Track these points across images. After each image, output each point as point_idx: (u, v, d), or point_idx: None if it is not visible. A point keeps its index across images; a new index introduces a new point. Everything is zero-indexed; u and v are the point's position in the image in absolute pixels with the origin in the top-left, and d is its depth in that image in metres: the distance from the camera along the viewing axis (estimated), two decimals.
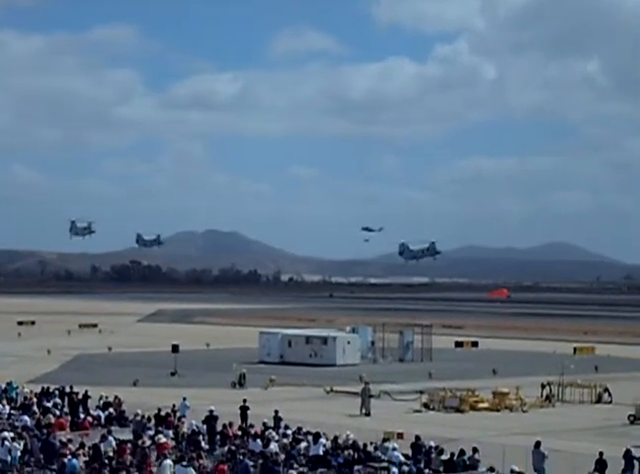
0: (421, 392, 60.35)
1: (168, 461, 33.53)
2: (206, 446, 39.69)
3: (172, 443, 38.94)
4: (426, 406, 58.73)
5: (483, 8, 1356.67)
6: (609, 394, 63.21)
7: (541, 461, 37.52)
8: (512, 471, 33.14)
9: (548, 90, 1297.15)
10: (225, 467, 34.22)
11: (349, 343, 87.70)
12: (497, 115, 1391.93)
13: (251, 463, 34.54)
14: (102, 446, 36.37)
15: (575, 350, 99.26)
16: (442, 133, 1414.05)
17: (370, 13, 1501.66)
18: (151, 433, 40.63)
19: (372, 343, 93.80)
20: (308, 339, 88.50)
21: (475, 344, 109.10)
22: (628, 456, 36.92)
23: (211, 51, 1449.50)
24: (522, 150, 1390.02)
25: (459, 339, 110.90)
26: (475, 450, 36.69)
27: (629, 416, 54.75)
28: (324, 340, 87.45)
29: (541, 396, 62.03)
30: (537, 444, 38.05)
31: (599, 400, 62.95)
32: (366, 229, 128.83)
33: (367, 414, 55.66)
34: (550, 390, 62.73)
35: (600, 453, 36.82)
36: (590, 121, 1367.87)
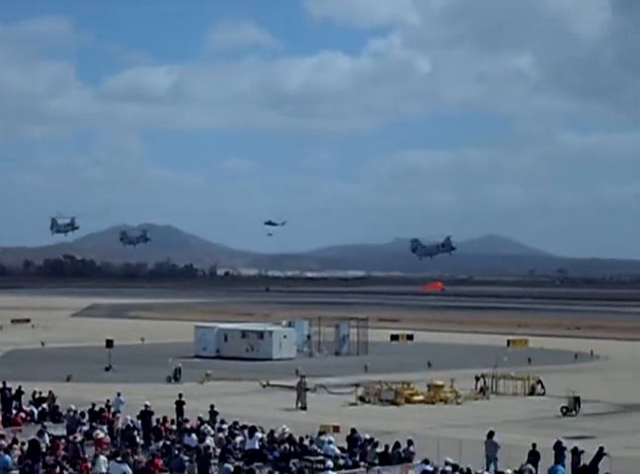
0: (357, 385, 60.57)
1: (102, 457, 33.27)
2: (141, 442, 39.43)
3: (107, 439, 38.63)
4: (361, 399, 58.95)
5: (415, 2, 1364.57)
6: (542, 386, 63.99)
7: (495, 451, 38.08)
8: (446, 463, 33.40)
9: (481, 84, 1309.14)
10: (160, 461, 34.06)
11: (285, 337, 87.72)
12: (431, 108, 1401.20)
13: (186, 458, 34.40)
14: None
15: (509, 342, 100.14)
16: (377, 127, 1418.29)
17: (304, 7, 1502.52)
18: (85, 428, 40.30)
19: (309, 336, 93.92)
20: (244, 333, 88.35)
21: (410, 337, 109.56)
22: (559, 447, 37.40)
23: (147, 44, 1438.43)
24: (457, 143, 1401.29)
25: (395, 332, 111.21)
26: (410, 443, 36.93)
27: (562, 407, 55.48)
28: (260, 334, 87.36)
29: (475, 388, 62.61)
30: (490, 434, 38.58)
31: (532, 392, 63.70)
32: (270, 223, 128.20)
33: (303, 407, 55.70)
34: (484, 382, 63.33)
35: (534, 445, 37.26)
36: (523, 115, 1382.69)
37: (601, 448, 36.75)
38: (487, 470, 35.86)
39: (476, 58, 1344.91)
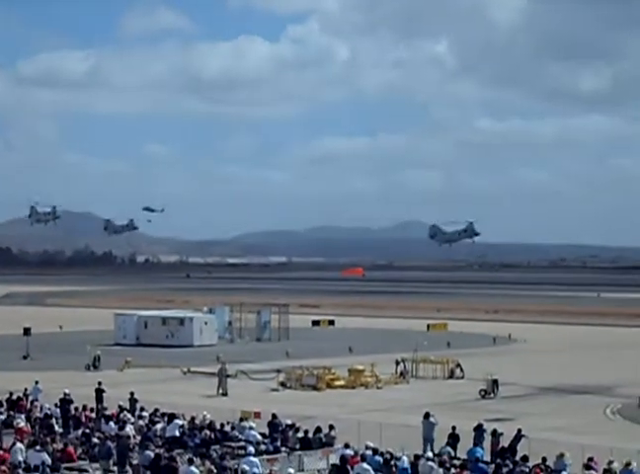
0: (278, 371, 60.65)
1: (19, 445, 32.80)
2: (60, 430, 38.93)
3: (28, 428, 38.07)
4: (283, 385, 59.03)
5: None
6: (461, 369, 64.71)
7: (431, 431, 38.72)
8: (366, 447, 33.58)
9: (398, 70, 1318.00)
10: (72, 449, 33.71)
11: (206, 323, 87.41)
12: (349, 94, 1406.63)
13: (113, 444, 34.07)
14: None
15: (428, 326, 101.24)
16: (297, 113, 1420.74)
17: None
18: (2, 417, 39.70)
19: (230, 323, 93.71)
20: (165, 320, 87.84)
21: (332, 322, 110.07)
22: (479, 430, 37.84)
23: (62, 28, 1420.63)
24: (375, 129, 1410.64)
25: (316, 318, 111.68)
26: (331, 427, 37.05)
27: (480, 390, 56.17)
28: (181, 321, 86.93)
29: (396, 372, 63.07)
30: (427, 415, 39.29)
31: (451, 375, 64.39)
32: (148, 209, 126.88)
33: (224, 394, 55.59)
34: (404, 367, 63.84)
35: (453, 428, 37.63)
36: (440, 101, 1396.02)
37: (520, 430, 37.28)
38: (425, 451, 36.23)
39: (393, 45, 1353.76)
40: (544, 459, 32.93)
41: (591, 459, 32.48)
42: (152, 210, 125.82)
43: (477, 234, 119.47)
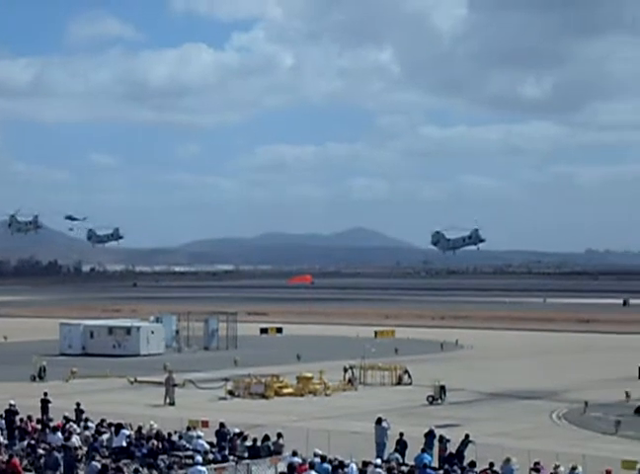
0: (226, 380, 60.43)
1: None
2: (5, 441, 38.44)
3: None
4: (231, 393, 58.82)
5: None
6: (409, 376, 64.94)
7: (384, 436, 38.96)
8: (315, 454, 33.56)
9: (343, 78, 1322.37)
10: (17, 461, 33.32)
11: (153, 332, 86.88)
12: (295, 102, 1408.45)
13: (60, 455, 33.70)
14: None
15: (376, 333, 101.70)
16: (243, 120, 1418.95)
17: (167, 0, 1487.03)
18: None
19: (177, 332, 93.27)
20: (111, 329, 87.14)
21: (280, 330, 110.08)
22: (430, 436, 37.97)
23: (6, 36, 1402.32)
24: (322, 137, 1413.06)
25: (264, 325, 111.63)
26: (279, 435, 36.98)
27: (428, 396, 56.40)
28: (127, 330, 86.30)
29: (344, 379, 63.12)
30: (379, 420, 39.53)
31: (399, 382, 64.60)
32: (70, 218, 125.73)
33: (172, 403, 55.26)
34: (352, 373, 63.91)
35: (401, 434, 37.76)
36: (385, 109, 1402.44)
37: (467, 436, 37.51)
38: (378, 456, 36.36)
39: (338, 53, 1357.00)
40: (491, 464, 33.14)
41: (537, 464, 32.76)
42: (74, 219, 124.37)
43: (482, 240, 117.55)
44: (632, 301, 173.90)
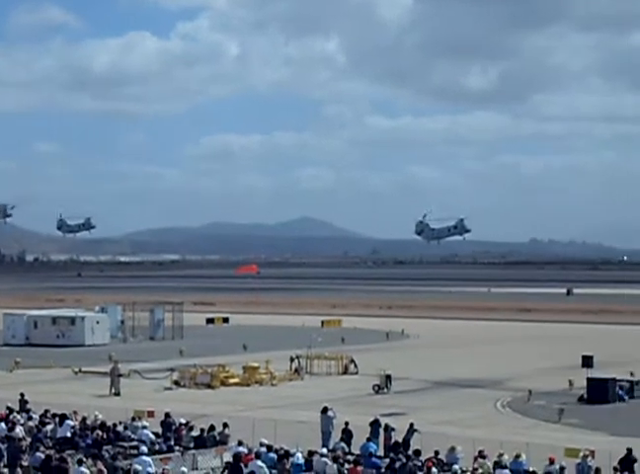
0: (171, 370, 60.18)
1: None
2: None
3: None
4: (176, 383, 58.59)
5: None
6: (355, 365, 65.16)
7: (329, 425, 39.17)
8: (261, 444, 33.55)
9: (290, 67, 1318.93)
10: None
11: (98, 322, 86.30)
12: (241, 91, 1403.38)
13: (4, 446, 33.34)
14: None
15: (323, 323, 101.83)
16: (188, 109, 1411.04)
17: None
18: None
19: (122, 322, 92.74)
20: (55, 319, 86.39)
21: (226, 320, 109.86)
22: (375, 425, 38.13)
23: None
24: (268, 127, 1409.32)
25: (210, 315, 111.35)
26: (225, 425, 36.92)
27: (374, 386, 56.62)
28: (72, 320, 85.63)
29: (290, 369, 63.17)
30: (325, 410, 39.74)
31: (345, 371, 64.77)
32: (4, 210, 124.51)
33: (117, 393, 54.94)
34: (299, 363, 63.97)
35: (346, 423, 37.88)
36: (331, 99, 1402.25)
37: (412, 424, 37.72)
38: (324, 446, 36.45)
39: (284, 42, 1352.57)
40: (436, 453, 33.37)
41: (481, 452, 33.04)
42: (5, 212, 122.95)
43: (468, 231, 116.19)
44: (576, 291, 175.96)
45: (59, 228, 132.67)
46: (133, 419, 38.72)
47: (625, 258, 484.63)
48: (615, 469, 30.74)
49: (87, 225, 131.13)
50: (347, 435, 37.10)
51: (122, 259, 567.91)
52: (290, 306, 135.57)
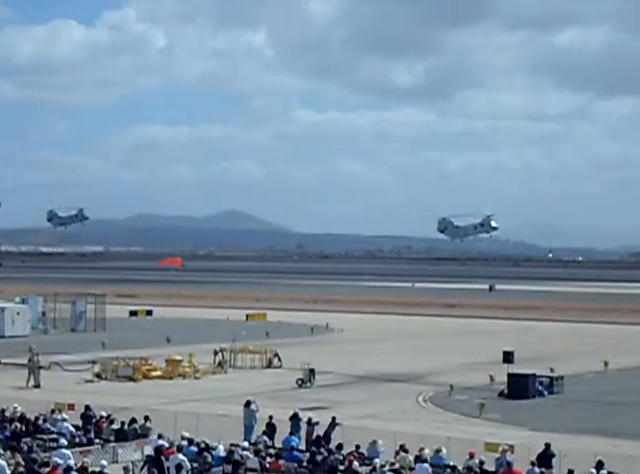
0: (93, 362, 59.56)
1: None
2: None
3: None
4: (98, 376, 58.03)
5: None
6: (279, 359, 65.15)
7: (252, 418, 39.08)
8: (182, 437, 33.39)
9: (217, 59, 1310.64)
10: None
11: (18, 313, 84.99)
12: (168, 82, 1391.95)
13: None
14: None
15: (247, 316, 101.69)
16: (114, 100, 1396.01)
17: None
18: None
19: (43, 313, 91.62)
20: None
21: (149, 312, 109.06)
22: (295, 419, 38.17)
23: None
24: (195, 119, 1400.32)
25: (133, 308, 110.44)
26: (147, 419, 36.70)
27: (297, 379, 56.68)
28: None
29: (214, 362, 62.94)
30: (247, 403, 39.70)
31: (269, 365, 64.75)
32: None
33: (37, 385, 54.21)
34: (223, 356, 63.77)
35: (270, 417, 37.86)
36: (259, 92, 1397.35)
37: (334, 418, 37.80)
38: (245, 439, 36.42)
39: (212, 34, 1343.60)
40: (358, 447, 33.51)
41: (402, 446, 33.24)
42: None
43: (495, 228, 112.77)
44: (498, 287, 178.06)
45: (50, 220, 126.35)
46: (53, 411, 38.29)
47: (550, 255, 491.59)
48: (533, 463, 31.16)
49: (80, 216, 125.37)
50: (270, 429, 37.08)
51: (45, 249, 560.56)
52: (215, 299, 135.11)
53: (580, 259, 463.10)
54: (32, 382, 54.53)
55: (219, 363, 63.05)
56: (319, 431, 37.05)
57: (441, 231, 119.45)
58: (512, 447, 32.76)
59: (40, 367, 55.82)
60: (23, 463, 29.91)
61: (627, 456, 33.38)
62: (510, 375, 54.35)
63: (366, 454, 33.27)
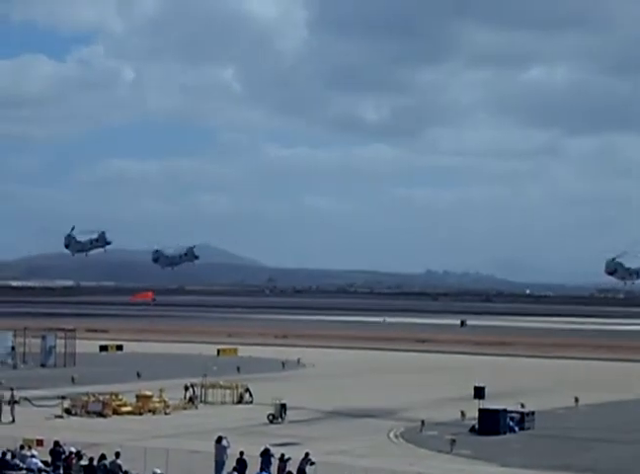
0: (63, 397, 59.13)
1: None
2: None
3: None
4: (68, 411, 57.59)
5: (118, 11, 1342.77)
6: (250, 394, 64.94)
7: (223, 454, 39.07)
8: (153, 473, 33.19)
9: (186, 95, 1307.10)
10: None
11: None
12: (137, 117, 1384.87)
13: None
14: None
15: (218, 351, 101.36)
16: (83, 134, 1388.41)
17: (2, 8, 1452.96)
18: None
19: (13, 348, 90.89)
20: None
21: (120, 347, 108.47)
22: (266, 455, 38.03)
23: None
24: (165, 153, 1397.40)
25: (104, 343, 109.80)
26: (117, 455, 36.43)
27: (269, 415, 56.49)
28: None
29: (185, 398, 62.64)
30: (219, 439, 39.64)
31: (240, 400, 64.51)
32: None
33: (12, 420, 53.68)
34: (193, 392, 63.50)
35: (241, 453, 37.71)
36: (228, 127, 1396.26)
37: (307, 454, 37.72)
38: None
39: (180, 70, 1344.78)
40: None
41: None
42: None
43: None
44: (469, 322, 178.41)
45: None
46: (22, 447, 37.96)
47: (528, 291, 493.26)
48: None
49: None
50: (240, 466, 36.92)
51: (14, 284, 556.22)
52: (186, 334, 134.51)
53: (550, 294, 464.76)
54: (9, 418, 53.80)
55: (190, 399, 62.76)
56: (291, 467, 36.93)
57: (611, 273, 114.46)
58: None
59: (16, 402, 55.25)
60: None
61: None
62: (481, 411, 54.43)
63: None
